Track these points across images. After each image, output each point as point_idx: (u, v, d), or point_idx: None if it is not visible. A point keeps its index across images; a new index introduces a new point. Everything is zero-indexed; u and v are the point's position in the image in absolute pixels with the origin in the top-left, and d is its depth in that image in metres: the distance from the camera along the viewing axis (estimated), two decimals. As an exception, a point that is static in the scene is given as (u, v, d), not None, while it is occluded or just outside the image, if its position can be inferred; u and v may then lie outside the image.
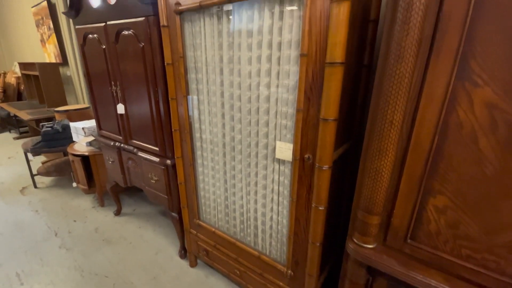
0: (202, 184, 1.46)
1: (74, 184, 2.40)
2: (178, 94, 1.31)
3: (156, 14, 1.24)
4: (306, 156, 0.95)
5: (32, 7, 4.00)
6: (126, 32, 1.39)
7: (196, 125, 1.34)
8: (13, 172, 3.10)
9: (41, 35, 4.10)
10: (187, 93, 1.29)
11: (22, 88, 5.08)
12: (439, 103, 0.65)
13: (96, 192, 2.31)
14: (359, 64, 1.09)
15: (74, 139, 2.48)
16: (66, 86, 4.03)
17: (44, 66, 3.65)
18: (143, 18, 1.27)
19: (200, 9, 1.07)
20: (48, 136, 2.50)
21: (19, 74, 4.85)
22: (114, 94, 1.64)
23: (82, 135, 2.33)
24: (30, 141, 2.72)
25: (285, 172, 1.06)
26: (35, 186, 2.74)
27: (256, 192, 1.20)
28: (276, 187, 1.12)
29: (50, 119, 3.50)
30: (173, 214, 1.70)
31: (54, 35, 3.73)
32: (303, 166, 0.98)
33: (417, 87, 0.68)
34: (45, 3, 3.60)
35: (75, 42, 3.34)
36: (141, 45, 1.35)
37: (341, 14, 0.74)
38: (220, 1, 0.98)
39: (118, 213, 2.26)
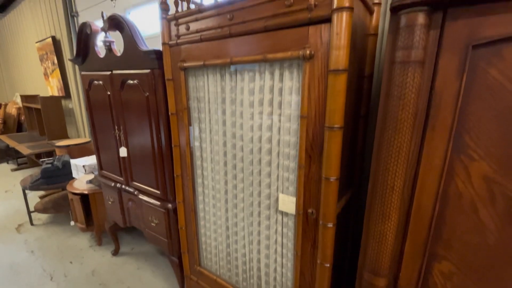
0: (203, 229, 1.45)
1: (72, 223, 2.36)
2: (181, 141, 1.33)
3: (161, 67, 1.30)
4: (310, 210, 0.96)
5: (37, 42, 4.14)
6: (131, 82, 1.45)
7: (198, 171, 1.35)
8: (9, 207, 3.05)
9: (45, 69, 4.21)
10: (190, 141, 1.32)
11: (22, 118, 5.14)
12: (437, 173, 0.68)
13: (94, 231, 2.27)
14: (356, 115, 1.14)
15: (74, 176, 2.47)
16: (67, 118, 4.08)
17: (46, 99, 3.72)
18: (149, 70, 1.33)
19: (203, 67, 1.13)
20: (47, 173, 2.50)
21: (20, 105, 4.92)
22: (117, 137, 1.66)
23: (82, 172, 2.33)
24: (29, 177, 2.71)
25: (288, 224, 1.07)
26: (32, 223, 2.69)
27: (259, 242, 1.19)
28: (279, 239, 1.11)
29: (50, 153, 3.51)
30: (173, 258, 1.67)
31: (57, 69, 3.84)
32: (306, 221, 0.98)
33: (415, 155, 0.71)
34: (49, 40, 3.74)
35: (78, 78, 3.43)
36: (146, 95, 1.39)
37: (338, 84, 0.78)
38: (223, 63, 1.04)
39: (116, 253, 2.20)
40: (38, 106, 3.83)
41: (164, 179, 1.50)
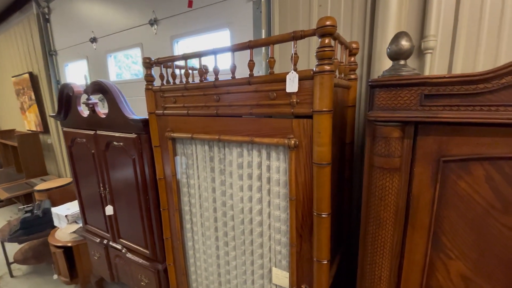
0: (193, 268, 1.43)
1: (55, 276, 2.25)
2: (170, 205, 1.33)
3: (147, 132, 1.30)
4: (303, 286, 0.98)
5: (13, 76, 4.02)
6: (116, 144, 1.44)
7: (188, 235, 1.35)
8: (-16, 258, 2.86)
9: (21, 103, 4.08)
10: (179, 205, 1.32)
11: (-3, 153, 4.90)
12: (420, 267, 0.72)
13: (79, 283, 2.17)
14: (341, 179, 1.19)
15: (55, 225, 2.37)
16: (46, 153, 3.94)
17: (23, 137, 3.59)
18: (135, 135, 1.33)
19: (191, 139, 1.15)
20: (27, 224, 2.39)
21: (-5, 140, 4.70)
22: (103, 195, 1.63)
23: (65, 222, 2.25)
24: (7, 225, 2.57)
25: (282, 296, 1.08)
26: (11, 275, 2.54)
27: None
28: None
29: (29, 195, 3.35)
30: (166, 316, 1.62)
31: (35, 105, 3.72)
32: (299, 295, 1.00)
33: (398, 248, 0.75)
34: (26, 75, 3.64)
35: (58, 115, 3.34)
36: (132, 157, 1.39)
37: (323, 176, 0.82)
38: (211, 139, 1.06)
39: (103, 306, 2.12)
40: (15, 144, 3.68)
41: (153, 239, 1.48)
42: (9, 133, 4.19)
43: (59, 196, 2.86)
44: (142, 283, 1.62)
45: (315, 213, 0.86)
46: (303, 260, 0.96)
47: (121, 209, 1.58)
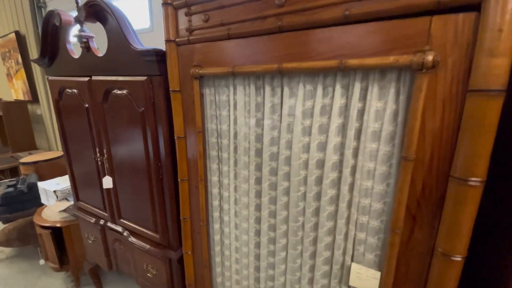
0: (220, 257, 1.10)
1: (42, 262, 1.91)
2: (192, 175, 0.98)
3: (163, 73, 0.94)
4: (405, 294, 0.65)
5: (-2, 38, 3.57)
6: (118, 92, 1.07)
7: (215, 214, 1.00)
8: (-38, 238, 2.51)
9: (8, 69, 3.64)
10: (205, 175, 0.97)
11: (-18, 125, 4.48)
12: None
13: (71, 271, 1.84)
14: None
15: (43, 202, 2.02)
16: (35, 126, 3.54)
17: (9, 105, 3.18)
18: (145, 77, 0.96)
19: (231, 75, 0.78)
20: (10, 199, 2.03)
21: (-20, 111, 4.28)
22: (99, 163, 1.27)
23: (53, 199, 1.89)
24: (-14, 202, 2.21)
25: (361, 304, 0.75)
26: (-9, 259, 2.21)
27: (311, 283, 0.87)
28: None
29: (15, 169, 2.98)
30: (177, 315, 1.30)
31: (22, 70, 3.29)
32: (396, 306, 0.67)
33: None
34: (13, 35, 3.20)
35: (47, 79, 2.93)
36: (141, 110, 1.02)
37: (489, 114, 0.47)
38: (264, 70, 0.70)
39: (99, 297, 1.80)
40: (0, 113, 3.28)
41: (165, 220, 1.14)
42: (-6, 103, 3.77)
43: (48, 171, 2.49)
44: (148, 275, 1.29)
45: (455, 177, 0.51)
46: (411, 254, 0.62)
47: (123, 181, 1.23)
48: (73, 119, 1.32)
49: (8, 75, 3.67)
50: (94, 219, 1.43)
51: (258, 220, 0.90)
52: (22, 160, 2.46)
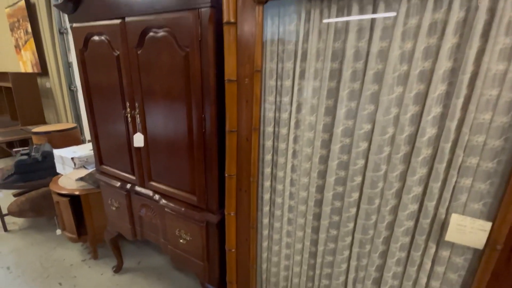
0: (266, 253, 1.01)
1: (58, 231, 1.83)
2: (243, 125, 0.87)
3: (214, 5, 0.81)
4: (526, 248, 0.54)
5: (7, 7, 3.41)
6: (157, 33, 0.95)
7: (266, 170, 0.90)
8: (-27, 209, 2.44)
9: (16, 40, 3.50)
10: (261, 122, 0.85)
11: (-11, 101, 4.37)
12: None
13: (89, 241, 1.76)
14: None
15: (58, 171, 1.93)
16: (44, 100, 3.42)
17: (19, 76, 3.06)
18: (192, 10, 0.84)
19: (307, -5, 0.66)
20: (23, 167, 1.93)
21: (-14, 85, 4.16)
22: (129, 119, 1.16)
23: (70, 166, 1.80)
24: (-2, 171, 2.13)
25: (456, 264, 0.64)
26: (5, 229, 2.12)
27: (378, 283, 0.77)
28: (432, 284, 0.69)
29: (25, 141, 2.89)
30: (210, 286, 1.22)
31: (32, 40, 3.15)
32: (507, 265, 0.57)
33: None
34: (22, 3, 3.05)
35: (58, 49, 2.80)
36: (183, 52, 0.90)
37: None
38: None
39: (118, 269, 1.72)
40: (9, 85, 3.16)
41: (205, 180, 1.03)
42: (3, 76, 3.64)
43: (61, 141, 2.39)
44: (180, 241, 1.19)
45: None
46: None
47: (156, 139, 1.12)
48: (100, 70, 1.20)
49: (17, 46, 3.54)
50: (119, 183, 1.33)
51: (322, 175, 0.79)
52: (34, 130, 2.36)
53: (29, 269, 1.73)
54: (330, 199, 0.78)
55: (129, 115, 1.15)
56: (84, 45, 1.21)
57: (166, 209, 1.20)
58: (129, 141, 1.22)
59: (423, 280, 0.70)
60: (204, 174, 1.03)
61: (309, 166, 0.80)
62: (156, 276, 1.70)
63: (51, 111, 3.46)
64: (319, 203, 0.82)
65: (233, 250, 1.05)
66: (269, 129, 0.84)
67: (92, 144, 1.40)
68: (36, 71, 3.30)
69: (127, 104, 1.14)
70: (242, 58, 0.80)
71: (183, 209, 1.12)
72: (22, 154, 2.01)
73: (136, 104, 1.11)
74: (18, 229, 2.17)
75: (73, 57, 2.67)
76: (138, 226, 1.39)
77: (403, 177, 0.66)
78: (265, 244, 0.99)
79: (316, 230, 0.86)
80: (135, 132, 1.16)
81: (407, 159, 0.65)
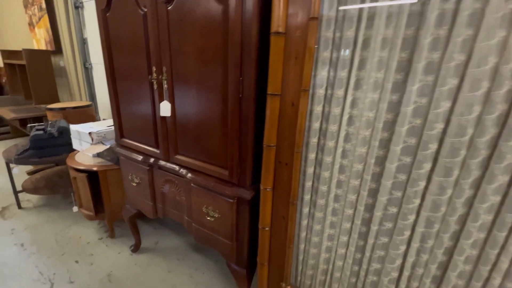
0: (305, 233, 0.92)
1: (75, 209, 1.79)
2: (289, 87, 0.76)
3: None
4: None
5: (20, -17, 3.33)
6: (192, -17, 0.84)
7: (312, 141, 0.80)
8: (-12, 185, 2.42)
9: (30, 17, 3.42)
10: (311, 85, 0.75)
11: (3, 81, 4.35)
12: None
13: (106, 219, 1.71)
14: None
15: (75, 147, 1.87)
16: (58, 79, 3.37)
17: (32, 53, 2.99)
18: (236, -48, 0.73)
19: None
20: (39, 142, 1.88)
21: (1, 65, 4.13)
22: (155, 86, 1.07)
23: (88, 142, 1.73)
24: (13, 147, 2.08)
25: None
26: (19, 206, 2.10)
27: (438, 282, 0.68)
28: (508, 285, 0.59)
29: (39, 119, 2.85)
30: (236, 267, 1.14)
31: (46, 16, 3.07)
32: None
33: None
34: (36, -22, 2.96)
35: (72, 26, 2.71)
36: (221, 5, 0.80)
37: None
38: None
39: (136, 249, 1.67)
40: (23, 62, 3.10)
41: (239, 152, 0.94)
42: (17, 54, 3.59)
43: (75, 118, 2.34)
44: (207, 218, 1.12)
45: None
46: None
47: (185, 108, 1.03)
48: (123, 33, 1.11)
49: (30, 24, 3.46)
50: (141, 157, 1.26)
51: (385, 144, 0.69)
52: (49, 106, 2.30)
53: (44, 247, 1.69)
54: (393, 171, 0.68)
55: (155, 82, 1.06)
56: (107, 4, 1.11)
57: (192, 185, 1.12)
58: (154, 111, 1.13)
59: (496, 280, 0.60)
60: (238, 146, 0.94)
61: (369, 134, 0.70)
62: (175, 256, 1.65)
63: (64, 90, 3.41)
64: (378, 177, 0.72)
65: (267, 228, 0.96)
66: (321, 91, 0.74)
67: (113, 115, 1.32)
68: (50, 49, 3.23)
69: (153, 69, 1.05)
70: (294, 4, 0.69)
71: (212, 184, 1.03)
72: (37, 130, 1.95)
73: (164, 69, 1.01)
74: (33, 206, 2.14)
75: (88, 33, 2.58)
76: (160, 203, 1.32)
77: (476, 185, 0.56)
78: (304, 222, 0.90)
79: (370, 207, 0.76)
80: (161, 100, 1.07)
81: (485, 164, 0.54)
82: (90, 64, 2.69)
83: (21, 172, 2.58)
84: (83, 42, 2.68)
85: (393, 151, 0.67)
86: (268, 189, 0.90)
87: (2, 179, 2.52)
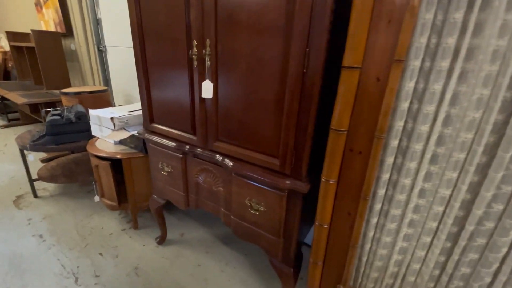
0: (373, 232, 0.80)
1: (96, 198, 1.70)
2: (375, 58, 0.63)
3: None
4: None
5: (25, -39, 3.16)
6: None
7: (397, 124, 0.67)
8: (2, 174, 2.35)
9: (37, -3, 3.27)
10: (408, 53, 0.61)
11: (10, 65, 4.24)
12: None
13: (130, 210, 1.62)
14: None
15: (94, 134, 1.76)
16: (69, 64, 3.24)
17: (42, 35, 2.85)
18: None
19: None
20: (56, 128, 1.78)
21: (7, 48, 4.00)
22: (195, 63, 0.94)
23: (109, 128, 1.62)
24: (27, 133, 1.99)
25: None
26: (35, 195, 2.02)
27: None
28: None
29: (53, 104, 2.74)
30: (281, 265, 1.04)
31: (54, -4, 2.92)
32: None
33: None
34: (43, -46, 2.79)
35: (85, 4, 2.55)
36: (290, -42, 0.66)
37: None
38: None
39: (162, 241, 1.58)
40: (31, 45, 2.97)
41: (296, 139, 0.82)
42: (24, 36, 3.45)
43: (92, 103, 2.22)
44: (251, 212, 1.01)
45: None
46: None
47: (230, 87, 0.90)
48: (157, 2, 0.97)
49: (37, 4, 3.31)
50: (174, 145, 1.14)
51: (497, 130, 0.56)
52: (64, 90, 2.18)
53: (64, 238, 1.61)
54: (506, 161, 0.56)
55: (195, 58, 0.93)
56: (138, -32, 0.97)
57: (234, 175, 1.00)
58: (192, 92, 1.00)
59: None
60: (295, 131, 0.81)
61: (480, 116, 0.57)
62: (203, 249, 1.56)
63: (76, 76, 3.28)
64: (483, 167, 0.59)
65: (325, 225, 0.85)
66: (416, 63, 0.61)
67: (142, 98, 1.20)
68: (59, 31, 3.09)
69: (194, 42, 0.91)
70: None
71: (259, 174, 0.92)
72: (53, 115, 1.85)
73: (208, 42, 0.88)
74: (49, 195, 2.06)
75: (102, 13, 2.43)
76: (193, 193, 1.22)
77: None
78: (373, 220, 0.78)
79: (466, 204, 0.64)
80: (202, 79, 0.94)
81: None
82: (104, 46, 2.55)
83: (34, 160, 2.50)
84: (97, 22, 2.53)
85: (509, 136, 0.54)
86: (331, 181, 0.78)
87: (15, 167, 2.44)
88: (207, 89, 0.93)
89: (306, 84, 0.75)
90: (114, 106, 2.69)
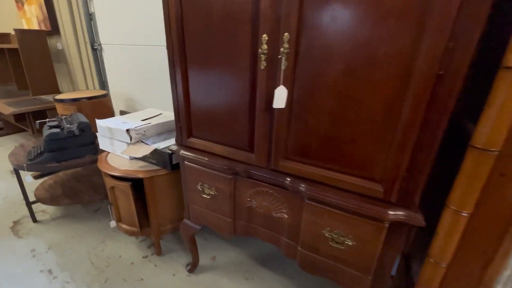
0: (509, 271, 0.63)
1: (112, 223, 1.45)
2: None
3: None
4: None
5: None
6: None
7: None
8: (-10, 194, 2.04)
9: (15, -8, 2.91)
10: None
11: (-14, 69, 3.81)
12: None
13: (153, 235, 1.40)
14: None
15: (103, 148, 1.51)
16: (56, 66, 2.91)
17: (26, 34, 2.52)
18: None
19: None
20: (56, 143, 1.51)
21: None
22: (262, 64, 0.73)
23: (122, 141, 1.37)
24: (20, 149, 1.71)
25: None
26: (34, 220, 1.75)
27: None
28: None
29: (43, 112, 2.43)
30: (367, 304, 0.87)
31: (37, -10, 2.59)
32: None
33: None
34: None
35: (75, -2, 2.25)
36: None
37: None
38: None
39: (194, 268, 1.37)
40: (13, 46, 2.63)
41: (412, 158, 0.63)
42: (3, 38, 3.08)
43: (92, 111, 1.95)
44: (332, 244, 0.82)
45: None
46: None
47: (312, 93, 0.70)
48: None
49: (18, 1, 2.94)
50: (224, 163, 0.93)
51: None
52: (58, 97, 1.90)
53: (78, 272, 1.37)
54: None
55: (263, 57, 0.72)
56: None
57: (308, 201, 0.81)
58: (254, 100, 0.80)
59: None
60: (413, 149, 0.63)
61: None
62: (241, 274, 1.36)
63: (64, 78, 2.96)
64: None
65: (443, 264, 0.68)
66: None
67: (176, 106, 0.98)
68: (44, 29, 2.75)
69: (264, 37, 0.70)
70: None
71: (349, 202, 0.73)
72: (51, 127, 1.58)
73: (286, 36, 0.67)
74: (50, 218, 1.80)
75: (95, 6, 2.13)
76: (243, 219, 1.02)
77: None
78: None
79: None
80: (273, 84, 0.73)
81: None
82: (99, 44, 2.26)
83: (25, 174, 2.20)
84: (90, 18, 2.23)
85: None
86: (464, 213, 0.61)
87: (5, 185, 2.13)
88: (280, 97, 0.73)
89: (439, 90, 0.56)
90: (114, 112, 2.41)
